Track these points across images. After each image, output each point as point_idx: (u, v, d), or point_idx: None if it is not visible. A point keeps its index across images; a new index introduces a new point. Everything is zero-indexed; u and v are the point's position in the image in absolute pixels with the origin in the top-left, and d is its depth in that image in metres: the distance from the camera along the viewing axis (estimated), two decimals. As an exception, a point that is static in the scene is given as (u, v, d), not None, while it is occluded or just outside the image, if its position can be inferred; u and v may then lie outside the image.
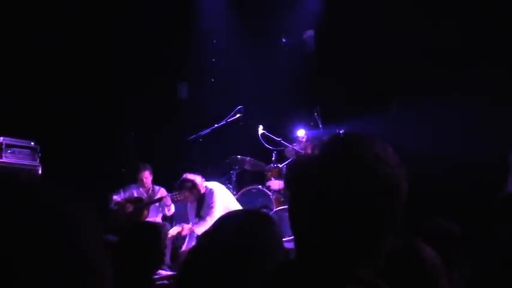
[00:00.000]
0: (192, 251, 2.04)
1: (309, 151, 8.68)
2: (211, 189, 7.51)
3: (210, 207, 7.35)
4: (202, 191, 7.48)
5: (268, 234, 1.90)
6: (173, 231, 7.37)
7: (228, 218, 2.03)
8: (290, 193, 1.38)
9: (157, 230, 7.24)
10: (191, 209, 7.64)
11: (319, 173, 1.28)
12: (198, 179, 7.50)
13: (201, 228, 7.17)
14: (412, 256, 1.85)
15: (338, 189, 1.25)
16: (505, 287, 2.48)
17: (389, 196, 1.27)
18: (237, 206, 7.49)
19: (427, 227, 2.84)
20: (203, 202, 7.46)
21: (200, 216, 7.41)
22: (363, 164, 1.26)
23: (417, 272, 1.86)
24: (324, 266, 1.26)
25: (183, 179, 7.46)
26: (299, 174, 1.34)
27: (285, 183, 1.56)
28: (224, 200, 7.48)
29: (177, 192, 7.68)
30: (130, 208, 7.94)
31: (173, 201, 7.98)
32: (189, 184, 7.43)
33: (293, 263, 1.34)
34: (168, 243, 7.57)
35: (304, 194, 1.31)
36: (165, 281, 6.07)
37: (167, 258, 7.57)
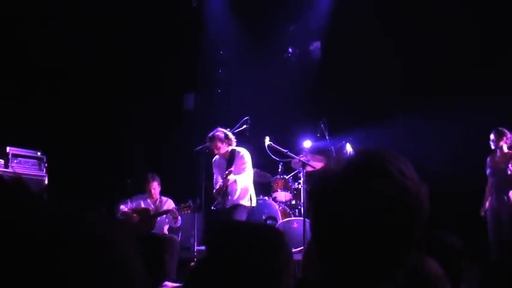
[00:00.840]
0: (201, 260, 2.03)
1: (316, 163, 8.69)
2: (242, 151, 7.56)
3: (242, 164, 7.42)
4: (232, 147, 7.51)
5: (281, 248, 1.89)
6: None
7: (239, 229, 2.01)
8: (315, 208, 1.36)
9: (164, 243, 7.27)
10: (219, 167, 7.60)
11: (347, 189, 1.27)
12: (231, 134, 7.55)
13: (241, 177, 7.27)
14: (416, 269, 1.84)
15: (367, 205, 1.24)
16: None
17: (415, 213, 1.27)
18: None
19: (430, 241, 2.82)
20: (233, 161, 7.45)
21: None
22: (392, 180, 1.25)
23: (421, 285, 1.85)
24: (347, 283, 1.26)
25: (216, 130, 7.49)
26: (325, 189, 1.32)
27: (310, 198, 1.55)
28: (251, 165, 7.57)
29: (206, 144, 7.63)
30: (137, 219, 7.92)
31: (180, 213, 7.97)
32: (221, 135, 7.45)
33: (315, 280, 1.34)
34: (176, 255, 7.56)
35: (330, 209, 1.29)
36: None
37: (175, 270, 7.53)
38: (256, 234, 1.90)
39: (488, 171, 7.59)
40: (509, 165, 7.28)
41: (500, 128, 7.50)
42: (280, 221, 8.54)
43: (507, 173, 7.28)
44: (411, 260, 1.31)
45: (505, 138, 7.43)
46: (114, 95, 10.39)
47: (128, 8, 10.11)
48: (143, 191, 8.29)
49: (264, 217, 8.60)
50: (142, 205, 8.14)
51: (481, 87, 8.55)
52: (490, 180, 7.60)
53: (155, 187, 8.20)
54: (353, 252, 1.25)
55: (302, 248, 7.24)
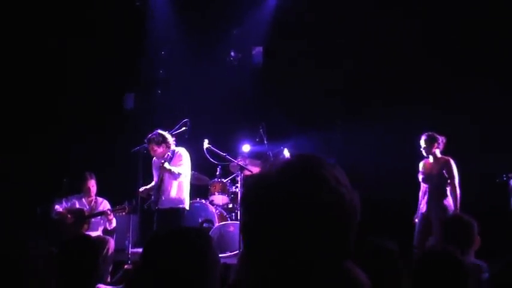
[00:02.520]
0: (135, 268, 2.05)
1: (254, 167, 8.74)
2: (181, 150, 7.54)
3: (180, 161, 7.42)
4: (171, 149, 7.46)
5: (207, 252, 1.92)
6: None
7: (169, 236, 2.04)
8: (248, 213, 1.34)
9: (98, 244, 7.14)
10: (157, 169, 7.55)
11: (282, 195, 1.26)
12: (169, 136, 7.48)
13: (173, 169, 7.25)
14: (346, 276, 1.87)
15: (302, 211, 1.24)
16: None
17: (349, 219, 1.28)
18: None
19: (368, 247, 2.86)
20: (170, 158, 7.41)
21: None
22: (328, 187, 1.26)
23: None
24: (279, 285, 1.26)
25: (155, 132, 7.45)
26: (259, 195, 1.31)
27: (243, 202, 1.52)
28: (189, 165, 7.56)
29: (144, 145, 7.64)
30: (71, 220, 7.78)
31: (115, 214, 7.87)
32: (160, 138, 7.41)
33: (244, 285, 1.34)
34: (110, 257, 7.46)
35: (264, 215, 1.28)
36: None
37: (109, 273, 7.43)
38: (184, 239, 1.93)
39: (420, 177, 7.56)
40: (444, 170, 7.32)
41: (431, 133, 7.47)
42: (217, 224, 8.55)
43: (441, 178, 7.32)
44: (342, 266, 1.33)
45: (437, 143, 7.42)
46: (52, 93, 10.18)
47: (70, 4, 9.94)
48: (79, 191, 8.15)
49: (200, 220, 8.59)
50: (77, 205, 8.00)
51: (415, 96, 8.86)
52: (423, 186, 7.58)
53: (93, 185, 8.09)
54: (285, 257, 1.25)
55: (238, 251, 7.27)
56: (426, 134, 7.49)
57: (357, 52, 9.22)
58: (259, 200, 1.31)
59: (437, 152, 7.46)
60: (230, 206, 9.09)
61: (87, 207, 8.02)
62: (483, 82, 8.47)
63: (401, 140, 8.32)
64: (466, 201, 7.28)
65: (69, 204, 8.01)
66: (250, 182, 1.39)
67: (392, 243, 3.05)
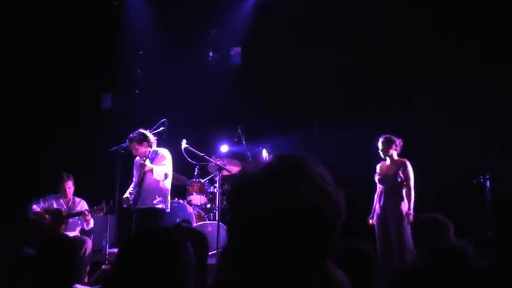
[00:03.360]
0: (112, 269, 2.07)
1: (232, 167, 8.77)
2: (163, 151, 7.54)
3: (163, 160, 7.42)
4: (152, 148, 7.45)
5: (181, 249, 1.94)
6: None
7: (145, 235, 2.06)
8: (232, 211, 1.34)
9: (76, 244, 7.12)
10: (138, 168, 7.52)
11: (269, 193, 1.26)
12: (151, 136, 7.49)
13: (155, 168, 7.24)
14: (326, 276, 1.89)
15: (289, 210, 1.24)
16: None
17: (335, 218, 1.29)
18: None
19: (347, 248, 2.88)
20: (153, 160, 7.41)
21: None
22: (314, 186, 1.26)
23: None
24: (263, 284, 1.27)
25: (137, 131, 7.44)
26: (246, 194, 1.31)
27: (230, 202, 1.51)
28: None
29: (121, 145, 7.71)
30: (49, 220, 7.74)
31: (93, 215, 7.85)
32: (141, 136, 7.39)
33: (227, 284, 1.35)
34: (87, 257, 7.43)
35: (250, 213, 1.27)
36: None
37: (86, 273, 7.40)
38: (158, 239, 1.96)
39: (377, 178, 7.59)
40: (399, 172, 7.35)
41: (388, 136, 7.53)
42: (195, 224, 8.56)
43: (397, 180, 7.35)
44: (324, 266, 1.35)
45: (394, 145, 7.47)
46: (29, 91, 10.10)
47: (47, 3, 9.88)
48: (56, 191, 8.11)
49: (178, 220, 8.58)
50: (55, 205, 7.96)
51: (392, 98, 8.96)
52: (379, 187, 7.60)
53: (70, 186, 8.05)
54: (268, 256, 1.26)
55: (216, 251, 7.28)
56: (383, 136, 7.58)
57: (334, 53, 9.28)
58: (244, 199, 1.31)
59: (394, 154, 7.54)
60: (208, 206, 9.11)
61: (65, 207, 7.98)
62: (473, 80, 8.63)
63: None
64: (440, 202, 7.36)
65: (46, 204, 7.96)
66: (235, 181, 1.39)
67: (368, 244, 3.09)
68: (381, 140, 7.56)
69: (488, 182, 7.90)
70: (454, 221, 4.26)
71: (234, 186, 1.37)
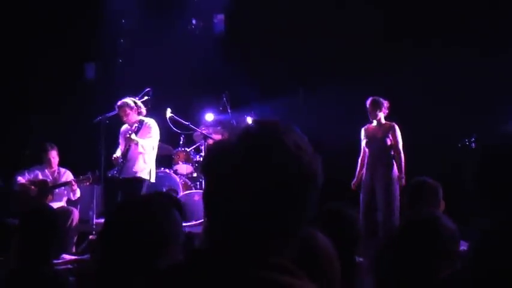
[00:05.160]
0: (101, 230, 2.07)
1: (218, 135, 8.76)
2: (150, 121, 7.53)
3: (148, 133, 7.43)
4: (141, 116, 7.49)
5: (167, 217, 1.95)
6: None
7: (133, 201, 2.07)
8: (208, 178, 1.36)
9: (62, 215, 7.14)
10: (124, 137, 7.49)
11: (242, 159, 1.27)
12: (142, 105, 7.57)
13: (144, 141, 7.28)
14: (304, 243, 1.90)
15: (261, 176, 1.25)
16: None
17: (309, 184, 1.30)
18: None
19: (330, 213, 2.89)
20: (139, 130, 7.40)
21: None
22: (287, 152, 1.27)
23: (309, 260, 1.88)
24: (238, 253, 1.27)
25: (127, 97, 7.50)
26: (219, 160, 1.32)
27: (203, 168, 1.51)
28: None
29: (106, 115, 7.75)
30: (35, 191, 7.72)
31: (79, 185, 7.84)
32: (131, 102, 7.44)
33: (205, 250, 1.35)
34: (74, 227, 7.45)
35: (224, 180, 1.29)
36: (69, 266, 6.01)
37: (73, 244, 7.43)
38: (144, 206, 1.97)
39: (364, 141, 7.48)
40: (389, 135, 7.29)
41: (375, 98, 7.42)
42: (181, 193, 8.58)
43: (385, 143, 7.28)
44: (303, 232, 1.34)
45: (382, 107, 7.37)
46: (11, 62, 9.99)
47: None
48: (40, 161, 8.08)
49: (164, 189, 8.59)
50: (40, 176, 7.93)
51: (376, 68, 8.95)
52: (366, 151, 7.48)
53: (54, 156, 8.01)
54: (246, 223, 1.26)
55: (202, 220, 7.32)
56: (371, 98, 7.45)
57: (321, 20, 9.22)
58: (217, 164, 1.32)
59: (382, 117, 7.44)
60: (194, 175, 9.12)
61: (50, 178, 7.95)
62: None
63: (365, 109, 8.36)
64: (428, 165, 7.36)
65: (31, 175, 7.93)
66: (210, 148, 1.41)
67: (353, 209, 3.12)
68: (368, 101, 7.45)
69: (473, 145, 7.89)
70: (443, 184, 4.31)
71: (208, 154, 1.39)
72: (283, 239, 1.29)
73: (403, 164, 7.27)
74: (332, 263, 2.04)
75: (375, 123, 7.49)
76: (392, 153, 7.35)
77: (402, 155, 7.31)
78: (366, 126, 7.59)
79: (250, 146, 1.28)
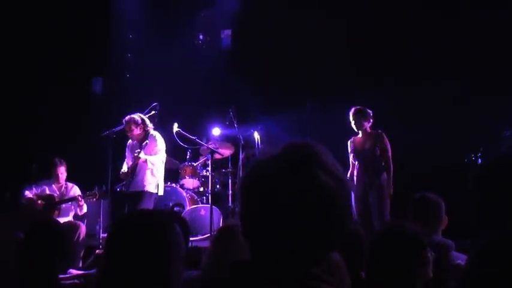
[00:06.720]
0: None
1: (225, 150, 8.76)
2: (156, 135, 7.57)
3: (155, 146, 7.47)
4: (147, 131, 7.53)
5: (168, 231, 1.95)
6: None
7: (134, 218, 2.07)
8: (250, 198, 1.38)
9: (69, 229, 7.13)
10: (131, 151, 7.55)
11: (288, 178, 1.31)
12: (148, 121, 7.59)
13: (152, 158, 7.32)
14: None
15: (307, 193, 1.29)
16: None
17: (346, 200, 1.36)
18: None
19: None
20: (146, 144, 7.43)
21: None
22: (327, 170, 1.32)
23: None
24: (284, 264, 1.31)
25: (134, 114, 7.55)
26: (261, 180, 1.35)
27: (244, 189, 1.51)
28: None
29: (113, 129, 7.74)
30: (41, 205, 7.73)
31: (86, 200, 7.84)
32: (139, 119, 7.49)
33: (248, 262, 1.37)
34: (81, 242, 7.44)
35: (270, 199, 1.32)
36: (76, 280, 5.98)
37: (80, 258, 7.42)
38: (148, 221, 1.97)
39: (352, 154, 7.34)
40: (377, 145, 7.15)
41: (360, 107, 7.30)
42: (188, 208, 8.57)
43: (375, 153, 7.16)
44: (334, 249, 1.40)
45: (369, 117, 7.25)
46: (20, 76, 10.05)
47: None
48: (48, 176, 8.09)
49: (171, 204, 8.60)
50: (47, 191, 7.94)
51: (385, 75, 8.96)
52: (356, 163, 7.33)
53: (62, 171, 8.03)
54: (293, 238, 1.30)
55: (209, 235, 7.30)
56: (354, 108, 7.33)
57: (325, 32, 9.23)
58: (261, 185, 1.35)
59: (368, 127, 7.32)
60: (201, 189, 9.12)
61: (57, 193, 7.97)
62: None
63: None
64: (434, 181, 7.32)
65: (39, 190, 7.95)
66: (249, 169, 1.41)
67: (356, 223, 3.12)
68: (352, 112, 7.31)
69: (479, 160, 7.87)
70: (447, 200, 4.28)
71: (248, 174, 1.40)
72: (324, 251, 1.35)
73: (391, 172, 7.16)
74: (342, 275, 2.05)
75: (360, 134, 7.36)
76: (383, 163, 7.23)
77: (391, 163, 7.19)
78: (351, 139, 7.45)
79: (294, 166, 1.32)
